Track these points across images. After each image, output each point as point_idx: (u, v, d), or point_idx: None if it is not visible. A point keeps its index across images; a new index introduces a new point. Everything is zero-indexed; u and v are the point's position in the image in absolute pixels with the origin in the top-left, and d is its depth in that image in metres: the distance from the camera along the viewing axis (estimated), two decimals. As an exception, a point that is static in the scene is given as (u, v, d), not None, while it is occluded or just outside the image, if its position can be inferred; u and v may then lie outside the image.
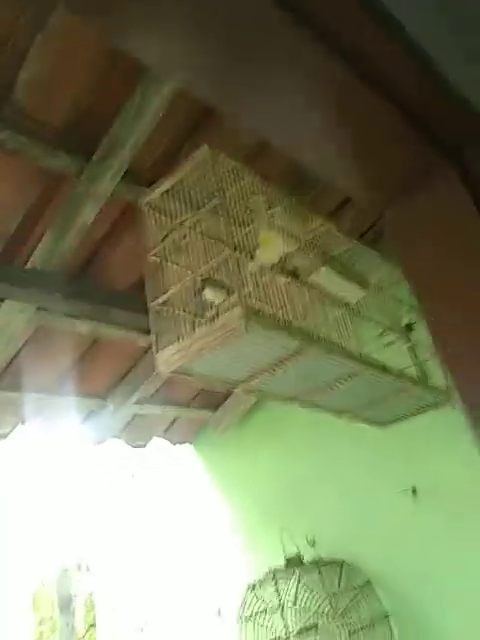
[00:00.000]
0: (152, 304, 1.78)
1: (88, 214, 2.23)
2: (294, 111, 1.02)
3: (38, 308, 2.52)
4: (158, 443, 4.14)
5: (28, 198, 2.23)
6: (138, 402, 3.47)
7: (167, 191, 1.87)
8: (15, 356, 2.85)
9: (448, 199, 1.08)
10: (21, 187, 2.18)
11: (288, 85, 0.97)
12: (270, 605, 3.12)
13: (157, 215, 1.89)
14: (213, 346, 1.61)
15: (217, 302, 1.69)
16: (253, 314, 1.54)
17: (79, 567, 5.58)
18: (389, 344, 2.20)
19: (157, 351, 1.72)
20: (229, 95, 1.01)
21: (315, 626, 3.03)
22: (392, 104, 1.01)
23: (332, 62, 0.91)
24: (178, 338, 1.67)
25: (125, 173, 2.13)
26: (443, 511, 3.01)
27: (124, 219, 2.41)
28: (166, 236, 1.86)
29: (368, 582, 3.18)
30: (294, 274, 1.86)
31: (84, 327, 2.78)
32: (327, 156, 1.12)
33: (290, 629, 2.97)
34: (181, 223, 1.85)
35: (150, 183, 2.01)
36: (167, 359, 1.70)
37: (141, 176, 2.21)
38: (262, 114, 1.05)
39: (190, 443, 4.36)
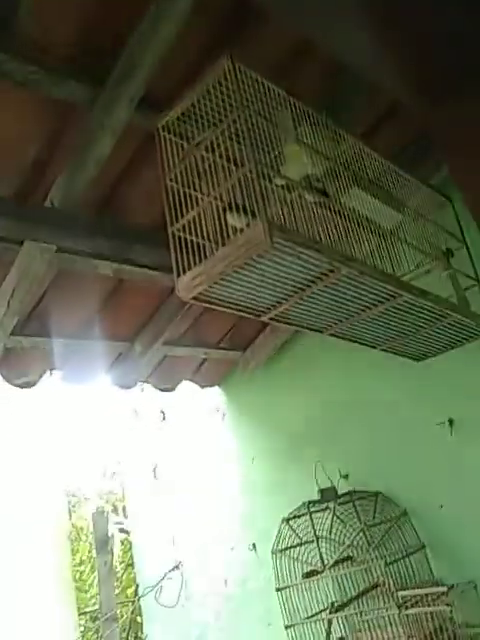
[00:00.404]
0: (171, 229, 1.68)
1: (105, 146, 2.12)
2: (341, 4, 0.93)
3: (59, 249, 2.45)
4: (186, 386, 4.13)
5: (42, 132, 2.14)
6: (166, 344, 3.43)
7: (185, 112, 1.75)
8: (39, 301, 2.81)
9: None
10: (33, 120, 2.09)
11: None
12: (305, 538, 3.14)
13: (175, 138, 1.78)
14: (236, 266, 1.51)
15: (240, 227, 1.58)
16: (277, 228, 1.43)
17: (115, 508, 5.72)
18: (428, 271, 2.09)
19: (178, 276, 1.62)
20: None
21: (350, 558, 3.05)
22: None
23: None
24: (199, 260, 1.58)
25: (143, 100, 2.01)
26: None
27: (143, 150, 2.30)
28: (183, 158, 1.75)
29: (404, 513, 3.18)
30: (323, 192, 1.74)
31: (107, 268, 2.71)
32: (374, 53, 1.02)
33: (325, 561, 2.99)
34: (198, 144, 1.74)
35: (169, 108, 1.89)
36: (188, 283, 1.61)
37: (160, 102, 2.08)
38: (310, 10, 0.95)
39: (218, 386, 4.35)
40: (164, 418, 4.80)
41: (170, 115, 1.76)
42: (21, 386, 3.31)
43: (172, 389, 4.05)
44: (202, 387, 4.25)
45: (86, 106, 2.03)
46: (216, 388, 4.36)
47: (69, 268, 2.66)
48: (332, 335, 2.01)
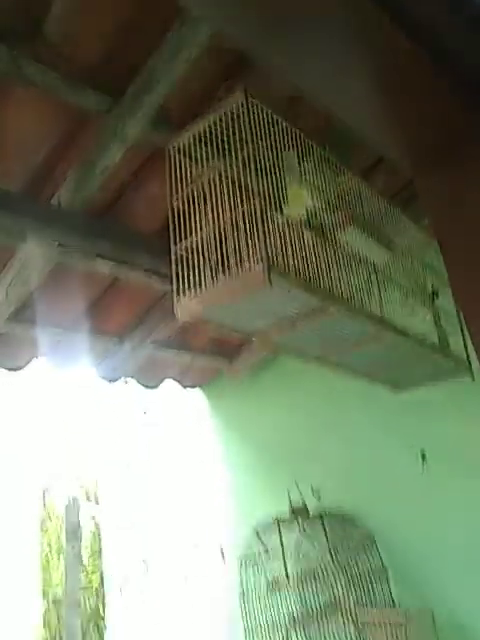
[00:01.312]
0: (175, 248, 1.74)
1: (114, 155, 2.17)
2: (333, 62, 0.96)
3: (60, 245, 2.50)
4: (170, 386, 4.19)
5: (55, 135, 2.18)
6: (154, 344, 3.49)
7: (196, 136, 1.81)
8: (34, 291, 2.86)
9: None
10: (48, 123, 2.13)
11: (327, 33, 0.90)
12: (272, 551, 3.21)
13: (184, 160, 1.83)
14: (233, 297, 1.59)
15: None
16: (276, 269, 1.51)
17: (88, 497, 5.77)
18: (413, 309, 2.16)
19: (177, 297, 1.69)
20: (265, 42, 0.94)
21: (314, 575, 3.14)
22: (440, 65, 0.95)
23: (377, 14, 0.84)
24: (199, 286, 1.65)
25: (155, 115, 2.06)
26: (449, 476, 3.05)
27: (151, 163, 2.36)
28: (193, 182, 1.81)
29: (370, 536, 3.26)
30: (321, 231, 1.81)
31: (105, 267, 2.76)
32: (364, 113, 1.07)
33: (290, 575, 3.06)
34: (209, 170, 1.80)
35: (180, 127, 1.95)
36: (186, 306, 1.68)
37: (171, 119, 2.14)
38: (298, 63, 0.99)
39: (201, 388, 4.41)
40: (146, 414, 4.86)
41: (182, 137, 1.81)
42: (9, 369, 3.37)
43: (155, 387, 4.12)
44: (185, 387, 4.31)
45: (101, 115, 2.08)
46: (199, 390, 4.42)
47: (67, 263, 2.71)
48: (318, 363, 2.08)
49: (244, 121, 1.66)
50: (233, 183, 1.75)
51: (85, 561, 5.52)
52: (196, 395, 4.43)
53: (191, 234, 1.74)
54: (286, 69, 1.03)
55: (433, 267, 2.31)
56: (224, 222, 1.69)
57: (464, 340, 2.27)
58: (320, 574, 3.09)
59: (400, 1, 0.79)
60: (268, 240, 1.51)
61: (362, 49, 0.90)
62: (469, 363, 2.28)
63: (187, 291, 1.68)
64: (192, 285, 1.67)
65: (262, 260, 1.46)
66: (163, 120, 2.12)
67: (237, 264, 1.60)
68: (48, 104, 2.04)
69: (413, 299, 2.13)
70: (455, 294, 1.20)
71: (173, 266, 1.74)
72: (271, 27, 0.88)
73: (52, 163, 2.26)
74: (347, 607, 2.87)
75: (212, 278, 1.64)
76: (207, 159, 1.79)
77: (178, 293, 1.70)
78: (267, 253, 1.47)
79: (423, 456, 3.13)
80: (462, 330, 2.31)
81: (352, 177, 1.94)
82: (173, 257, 1.75)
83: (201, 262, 1.70)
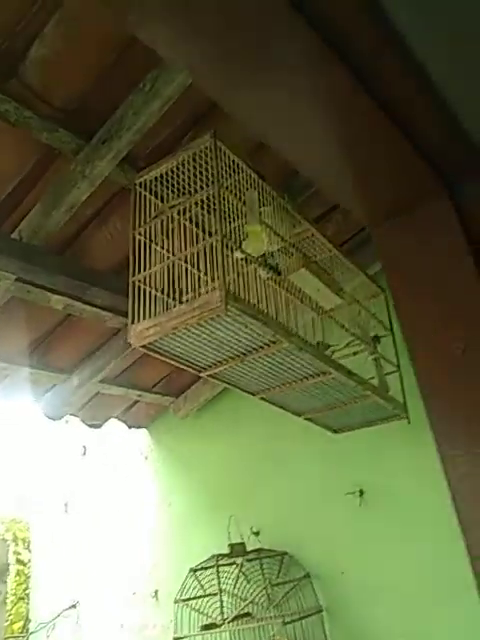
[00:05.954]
0: (133, 279, 1.78)
1: (80, 193, 2.26)
2: (295, 115, 1.07)
3: (17, 279, 2.54)
4: (113, 424, 4.18)
5: (23, 169, 2.26)
6: (102, 381, 3.51)
7: (163, 174, 1.90)
8: (-17, 324, 2.86)
9: (440, 226, 1.18)
10: (18, 158, 2.21)
11: (291, 87, 1.02)
12: (209, 590, 3.21)
13: (148, 196, 1.92)
14: (188, 325, 1.62)
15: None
16: (233, 298, 1.57)
17: (16, 537, 5.55)
18: (355, 353, 2.31)
19: (132, 323, 1.71)
20: (232, 92, 1.05)
21: (249, 614, 3.15)
22: (398, 126, 1.10)
23: (341, 73, 0.96)
24: (155, 314, 1.69)
25: (123, 158, 2.18)
26: (386, 516, 3.16)
27: (115, 202, 2.47)
28: (155, 217, 1.89)
29: (306, 575, 3.31)
30: (275, 270, 1.93)
31: (59, 303, 2.81)
32: (325, 166, 1.20)
33: (225, 615, 3.07)
34: (171, 207, 1.89)
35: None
36: (140, 332, 1.69)
37: (138, 162, 2.27)
38: (263, 114, 1.10)
39: (145, 428, 4.42)
40: (85, 453, 4.80)
41: (149, 174, 1.90)
42: None
43: (100, 426, 4.10)
44: (129, 427, 4.31)
45: (71, 154, 2.18)
46: (143, 430, 4.43)
47: (23, 296, 2.74)
48: (262, 399, 2.16)
49: (211, 164, 1.77)
50: (194, 222, 1.87)
51: (8, 607, 5.27)
52: (138, 434, 4.43)
53: (150, 266, 1.81)
54: (252, 123, 1.15)
55: (377, 314, 2.48)
56: (183, 256, 1.78)
57: (402, 385, 2.42)
58: (256, 613, 3.12)
59: (364, 64, 0.93)
60: (226, 272, 1.60)
61: (327, 109, 1.03)
62: (405, 406, 2.43)
63: (142, 319, 1.72)
64: (148, 314, 1.71)
65: (219, 288, 1.54)
66: (131, 161, 2.24)
67: (194, 295, 1.68)
68: (19, 140, 2.13)
69: (356, 343, 2.28)
70: (404, 334, 1.31)
71: (130, 295, 1.79)
72: (241, 81, 1.01)
73: (18, 197, 2.33)
74: (282, 646, 2.90)
75: (168, 308, 1.71)
76: (170, 197, 1.89)
77: (133, 321, 1.72)
78: (225, 281, 1.55)
79: (361, 493, 3.25)
80: (400, 376, 2.46)
81: (307, 225, 2.09)
82: (131, 286, 1.80)
83: (158, 293, 1.78)
